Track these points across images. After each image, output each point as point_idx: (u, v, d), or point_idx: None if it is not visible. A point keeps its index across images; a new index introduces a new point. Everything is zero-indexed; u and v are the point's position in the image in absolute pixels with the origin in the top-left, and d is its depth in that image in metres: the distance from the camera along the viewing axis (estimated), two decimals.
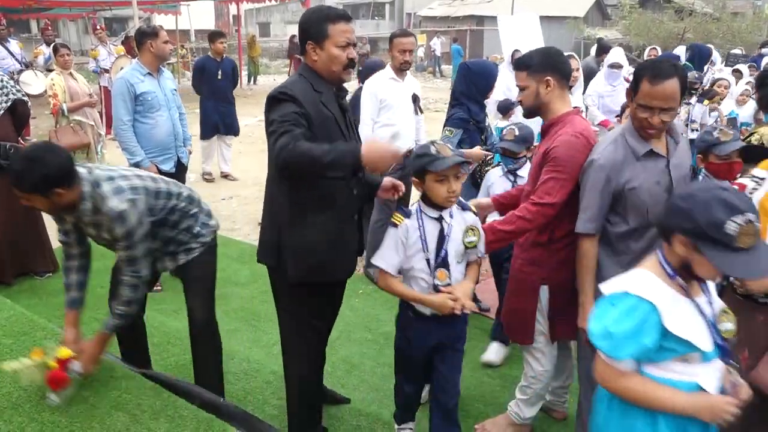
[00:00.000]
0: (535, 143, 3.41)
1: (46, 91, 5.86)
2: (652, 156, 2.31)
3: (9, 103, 4.17)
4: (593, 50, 9.36)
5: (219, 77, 7.14)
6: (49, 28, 12.71)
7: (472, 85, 3.91)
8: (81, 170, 2.34)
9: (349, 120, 2.42)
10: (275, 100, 2.20)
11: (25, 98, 4.36)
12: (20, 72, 8.67)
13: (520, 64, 2.57)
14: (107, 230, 2.38)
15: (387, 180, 2.60)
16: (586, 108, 6.19)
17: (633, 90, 2.28)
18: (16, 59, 9.04)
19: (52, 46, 7.09)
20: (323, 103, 2.27)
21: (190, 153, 4.80)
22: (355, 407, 3.03)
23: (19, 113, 4.28)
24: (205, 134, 7.48)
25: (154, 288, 3.72)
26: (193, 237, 2.69)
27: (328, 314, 2.62)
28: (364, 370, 3.46)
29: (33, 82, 8.23)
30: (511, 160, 3.47)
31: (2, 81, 4.18)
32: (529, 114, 2.63)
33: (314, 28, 2.26)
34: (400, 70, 4.44)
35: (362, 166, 2.13)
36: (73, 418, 2.43)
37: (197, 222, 2.71)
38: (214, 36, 7.28)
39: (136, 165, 4.30)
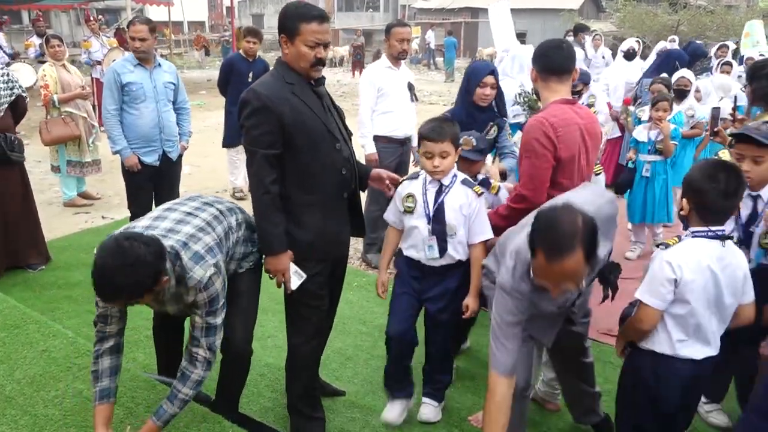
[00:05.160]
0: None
1: (36, 82, 5.81)
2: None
3: (13, 97, 4.21)
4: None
5: (249, 79, 6.13)
6: (41, 19, 12.62)
7: (463, 84, 3.71)
8: (165, 244, 2.10)
9: (326, 105, 2.51)
10: (244, 103, 2.37)
11: (25, 94, 4.41)
12: (8, 64, 8.59)
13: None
14: (185, 301, 2.20)
15: (377, 171, 2.74)
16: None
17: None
18: (4, 51, 8.96)
19: (44, 37, 7.02)
20: (295, 94, 2.38)
21: (185, 149, 4.74)
22: (350, 399, 3.04)
23: (19, 108, 4.35)
24: (231, 141, 6.55)
25: None
26: (243, 259, 2.54)
27: (325, 295, 2.64)
28: (359, 362, 3.47)
29: (23, 73, 8.16)
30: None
31: (9, 75, 4.24)
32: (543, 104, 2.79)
33: (288, 23, 2.36)
34: (398, 59, 4.61)
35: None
36: (66, 412, 2.44)
37: (248, 245, 2.56)
38: (245, 34, 6.43)
39: (117, 153, 4.39)
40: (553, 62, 2.64)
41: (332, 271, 2.67)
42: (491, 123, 3.64)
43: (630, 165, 4.97)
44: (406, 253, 2.83)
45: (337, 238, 2.59)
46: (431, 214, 2.70)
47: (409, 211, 2.74)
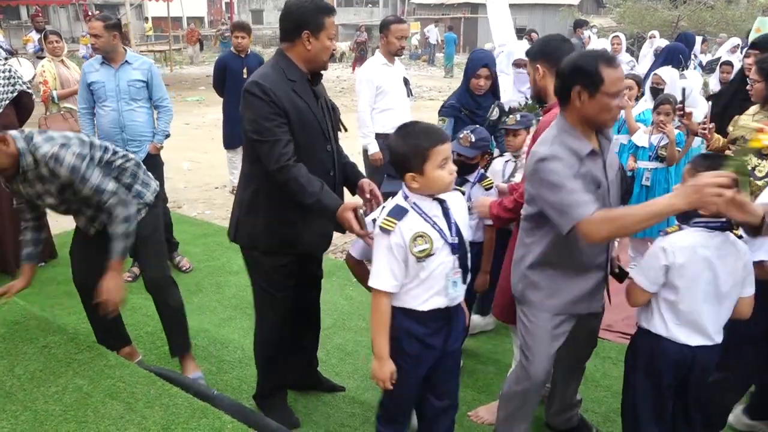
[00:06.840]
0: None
1: (34, 77, 5.78)
2: (593, 156, 2.15)
3: (15, 94, 4.17)
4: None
5: (244, 76, 5.96)
6: (40, 14, 12.60)
7: (464, 72, 3.99)
8: (13, 132, 2.52)
9: (322, 105, 2.53)
10: (250, 95, 2.33)
11: (30, 90, 4.36)
12: (6, 59, 8.55)
13: (527, 52, 2.70)
14: (51, 181, 2.51)
15: (362, 182, 2.58)
16: None
17: (591, 85, 2.02)
18: (2, 47, 8.92)
19: (42, 33, 6.98)
20: (296, 92, 2.39)
21: (157, 149, 4.48)
22: (350, 395, 3.04)
23: (23, 104, 4.29)
24: (231, 143, 6.42)
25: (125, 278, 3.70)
26: (134, 197, 2.80)
27: (290, 288, 2.67)
28: (359, 358, 3.47)
29: (21, 68, 8.14)
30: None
31: (11, 71, 4.18)
32: (536, 100, 2.73)
33: (312, 18, 2.37)
34: (396, 55, 4.63)
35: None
36: (67, 407, 2.44)
37: (137, 181, 2.85)
38: (233, 29, 6.37)
39: None
40: (564, 56, 2.62)
41: (308, 269, 2.72)
42: (493, 105, 3.88)
43: (630, 174, 4.45)
44: (423, 307, 2.11)
45: (315, 234, 2.57)
46: (455, 242, 2.09)
47: (427, 255, 2.03)
